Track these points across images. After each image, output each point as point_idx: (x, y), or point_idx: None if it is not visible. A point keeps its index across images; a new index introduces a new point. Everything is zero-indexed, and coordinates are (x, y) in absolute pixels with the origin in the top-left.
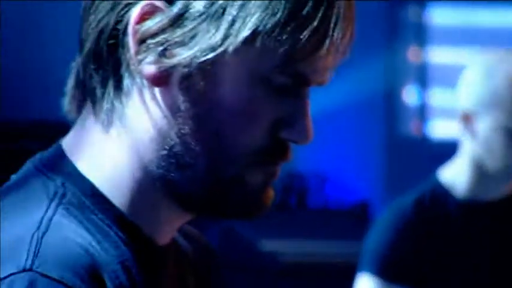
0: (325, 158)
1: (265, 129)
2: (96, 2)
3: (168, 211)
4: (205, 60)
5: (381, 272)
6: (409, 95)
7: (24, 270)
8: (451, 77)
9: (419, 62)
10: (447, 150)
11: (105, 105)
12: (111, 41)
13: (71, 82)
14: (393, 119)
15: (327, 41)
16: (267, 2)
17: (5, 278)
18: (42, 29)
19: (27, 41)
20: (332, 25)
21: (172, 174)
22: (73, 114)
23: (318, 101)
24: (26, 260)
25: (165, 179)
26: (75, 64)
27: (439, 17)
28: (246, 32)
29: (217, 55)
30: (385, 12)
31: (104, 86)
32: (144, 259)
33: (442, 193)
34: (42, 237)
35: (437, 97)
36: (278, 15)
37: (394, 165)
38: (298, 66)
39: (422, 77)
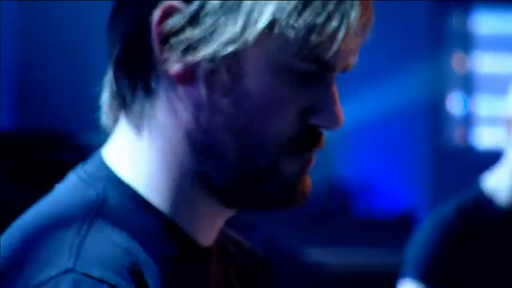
0: (370, 167)
1: (294, 117)
2: (119, 12)
3: (207, 207)
4: (227, 54)
5: (422, 277)
6: (454, 104)
7: (66, 271)
8: (496, 85)
9: (465, 70)
10: (492, 158)
11: (136, 109)
12: (136, 46)
13: (105, 95)
14: (438, 128)
15: (344, 24)
16: None
17: (47, 280)
18: (78, 40)
19: (59, 50)
20: (348, 7)
21: (205, 168)
22: (110, 125)
23: (362, 110)
24: (67, 261)
25: (200, 173)
26: (107, 77)
27: (484, 24)
28: (264, 21)
29: (238, 47)
30: (430, 20)
31: (134, 90)
32: (186, 259)
33: (484, 200)
34: (82, 241)
35: (482, 105)
36: (294, 2)
37: (439, 174)
38: (318, 52)
39: (468, 85)
